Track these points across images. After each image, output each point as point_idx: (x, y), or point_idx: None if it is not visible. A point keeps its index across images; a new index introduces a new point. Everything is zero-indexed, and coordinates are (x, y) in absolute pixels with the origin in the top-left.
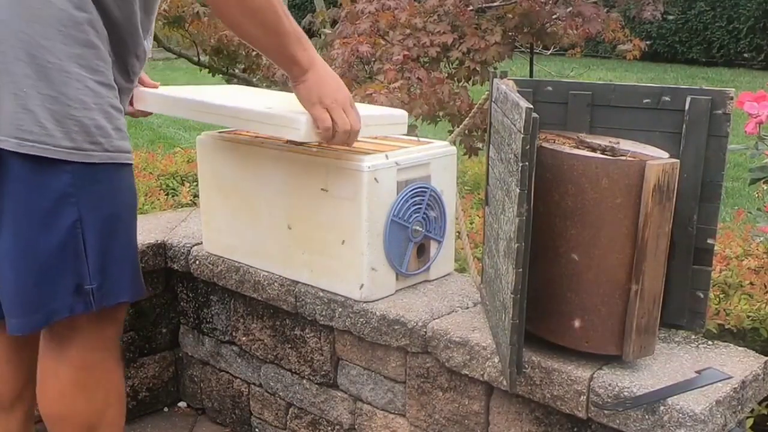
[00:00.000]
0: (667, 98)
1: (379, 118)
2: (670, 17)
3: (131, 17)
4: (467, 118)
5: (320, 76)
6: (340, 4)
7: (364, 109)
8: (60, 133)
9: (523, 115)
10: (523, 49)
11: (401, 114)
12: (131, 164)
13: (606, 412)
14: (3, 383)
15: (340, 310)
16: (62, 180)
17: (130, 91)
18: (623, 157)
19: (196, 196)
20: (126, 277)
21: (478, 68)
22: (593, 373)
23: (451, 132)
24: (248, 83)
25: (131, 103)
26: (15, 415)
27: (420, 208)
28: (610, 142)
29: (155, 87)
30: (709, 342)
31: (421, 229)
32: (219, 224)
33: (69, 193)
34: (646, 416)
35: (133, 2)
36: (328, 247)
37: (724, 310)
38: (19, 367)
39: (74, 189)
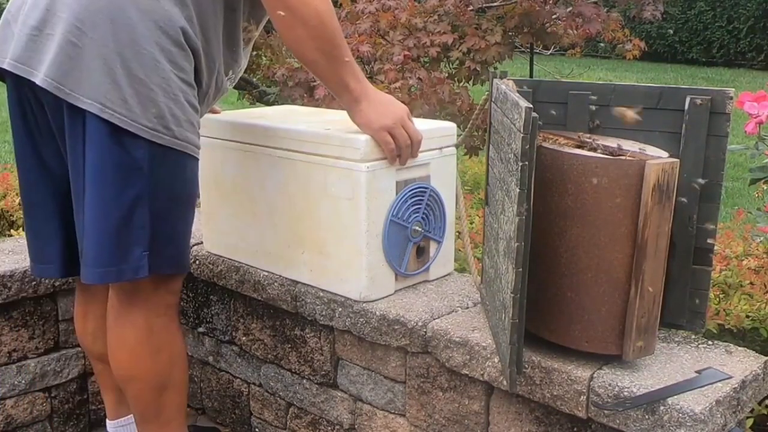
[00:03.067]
0: (666, 98)
1: (429, 132)
2: (668, 30)
3: (217, 43)
4: (470, 122)
5: (374, 103)
6: (340, 4)
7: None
8: (139, 111)
9: (523, 115)
10: (523, 49)
11: (450, 126)
12: (197, 159)
13: (606, 412)
14: (102, 343)
15: (340, 310)
16: (137, 153)
17: (203, 113)
18: (623, 157)
19: None
20: (170, 253)
21: (478, 68)
22: (593, 373)
23: None
24: (248, 83)
25: None
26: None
27: (419, 208)
28: (610, 141)
29: (217, 113)
30: (709, 342)
31: (420, 229)
32: (219, 224)
33: (140, 166)
34: (646, 416)
35: (218, 32)
36: (328, 247)
37: (724, 310)
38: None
39: (145, 164)
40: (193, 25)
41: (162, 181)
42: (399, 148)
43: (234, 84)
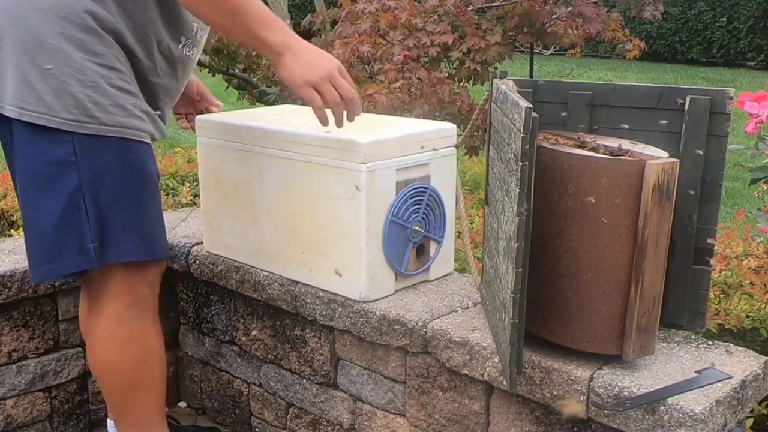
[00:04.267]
0: (666, 98)
1: (429, 133)
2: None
3: (145, 15)
4: (470, 122)
5: (298, 55)
6: (340, 4)
7: (410, 125)
8: (58, 106)
9: (523, 115)
10: (523, 49)
11: (450, 126)
12: (142, 141)
13: (606, 412)
14: None
15: (340, 310)
16: (63, 148)
17: (167, 87)
18: (623, 157)
19: (196, 196)
20: (131, 240)
21: (478, 68)
22: (593, 373)
23: None
24: (248, 83)
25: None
26: None
27: (419, 208)
28: (610, 141)
29: (218, 106)
30: (709, 342)
31: (420, 229)
32: (219, 224)
33: (70, 160)
34: (646, 416)
35: (144, 3)
36: (328, 247)
37: (724, 310)
38: None
39: (75, 157)
40: (105, 5)
41: (101, 170)
42: (329, 106)
43: (199, 49)
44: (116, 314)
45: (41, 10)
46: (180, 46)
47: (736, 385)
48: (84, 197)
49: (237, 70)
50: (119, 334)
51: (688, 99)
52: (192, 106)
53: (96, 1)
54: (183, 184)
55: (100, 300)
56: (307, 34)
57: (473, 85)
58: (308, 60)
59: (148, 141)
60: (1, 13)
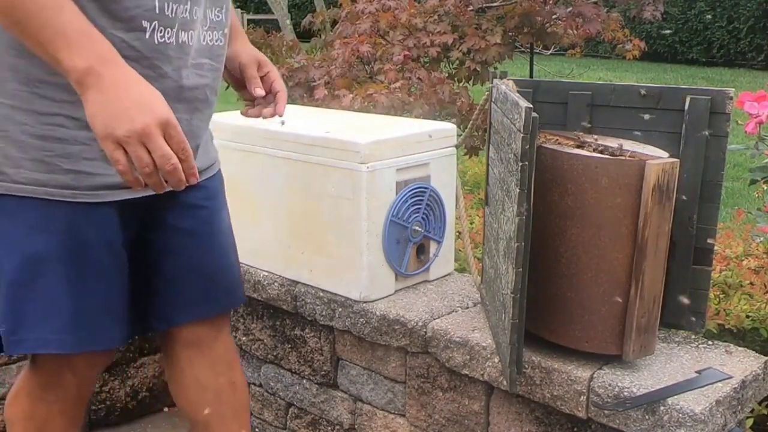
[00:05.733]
0: (667, 98)
1: (427, 134)
2: (666, 29)
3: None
4: (470, 122)
5: (108, 95)
6: (340, 4)
7: (410, 125)
8: None
9: (523, 115)
10: (523, 49)
11: (450, 127)
12: (69, 201)
13: (606, 412)
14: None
15: (340, 310)
16: None
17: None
18: (623, 157)
19: None
20: (46, 327)
21: (478, 68)
22: (593, 373)
23: None
24: None
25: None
26: None
27: (419, 208)
28: (610, 141)
29: (256, 95)
30: (709, 342)
31: (420, 229)
32: None
33: None
34: (646, 416)
35: None
36: (328, 247)
37: (724, 310)
38: None
39: None
40: None
41: (9, 237)
42: (143, 174)
43: (192, 26)
44: (30, 389)
45: None
46: (146, 35)
47: (736, 385)
48: None
49: None
50: (8, 413)
51: (688, 99)
52: (243, 88)
53: None
54: None
55: (28, 369)
56: (307, 34)
57: (473, 85)
58: (119, 105)
59: (84, 200)
60: None
